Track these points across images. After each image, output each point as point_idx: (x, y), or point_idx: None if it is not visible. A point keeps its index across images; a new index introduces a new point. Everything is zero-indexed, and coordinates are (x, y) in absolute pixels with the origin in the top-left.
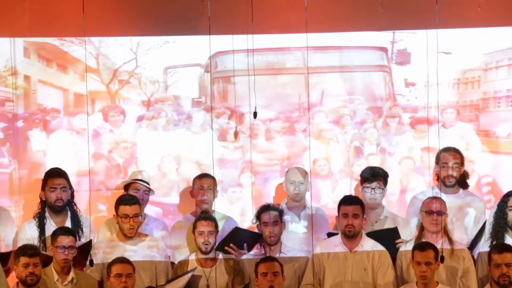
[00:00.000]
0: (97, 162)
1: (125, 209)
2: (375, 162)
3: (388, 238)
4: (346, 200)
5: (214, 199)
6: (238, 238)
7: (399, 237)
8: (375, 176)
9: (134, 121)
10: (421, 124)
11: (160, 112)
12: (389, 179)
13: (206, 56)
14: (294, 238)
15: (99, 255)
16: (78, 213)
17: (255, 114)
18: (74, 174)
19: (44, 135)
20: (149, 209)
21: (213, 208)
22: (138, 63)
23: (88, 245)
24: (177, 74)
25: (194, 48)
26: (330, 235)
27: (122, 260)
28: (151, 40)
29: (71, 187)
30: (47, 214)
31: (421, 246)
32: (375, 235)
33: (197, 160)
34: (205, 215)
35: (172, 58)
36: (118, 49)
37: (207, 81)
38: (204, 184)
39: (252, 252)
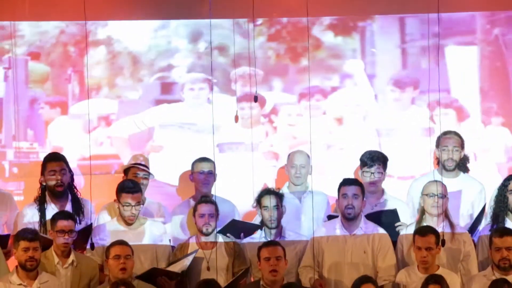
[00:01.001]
0: (114, 145)
1: (128, 197)
2: (389, 144)
3: (387, 219)
4: (346, 181)
5: (214, 183)
6: (236, 229)
7: (398, 218)
8: (374, 160)
9: (152, 104)
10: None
11: (176, 95)
12: (402, 162)
13: (222, 38)
14: (295, 222)
15: (100, 239)
16: (78, 196)
17: (255, 98)
18: (92, 157)
19: (64, 119)
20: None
21: (212, 192)
22: (155, 46)
23: (89, 229)
24: (194, 57)
25: (209, 31)
26: (330, 217)
27: (121, 242)
28: (166, 23)
29: (70, 170)
30: (47, 198)
31: (421, 231)
32: (374, 217)
33: (215, 142)
34: (206, 199)
35: (187, 42)
36: (134, 32)
37: (224, 64)
38: (203, 168)
39: (253, 236)
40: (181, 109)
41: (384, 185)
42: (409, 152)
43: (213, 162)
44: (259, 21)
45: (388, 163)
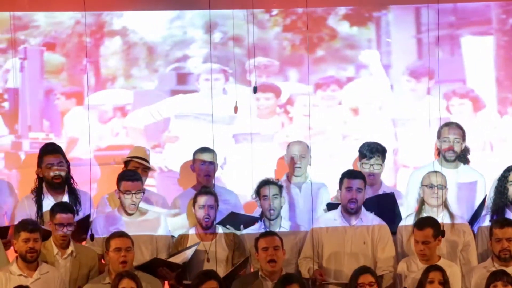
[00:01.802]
0: (130, 135)
1: (127, 185)
2: (405, 134)
3: (385, 203)
4: (351, 174)
5: (214, 173)
6: (235, 221)
7: (395, 202)
8: (373, 152)
9: (167, 94)
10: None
11: (192, 85)
12: (417, 153)
13: (237, 29)
14: (295, 212)
15: (100, 229)
16: (75, 186)
17: (254, 89)
18: (108, 148)
19: (79, 110)
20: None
21: (213, 183)
22: (171, 37)
23: (87, 219)
24: (208, 47)
25: (224, 21)
26: (329, 206)
27: (121, 234)
28: (181, 14)
29: (67, 161)
30: (44, 190)
31: (419, 224)
32: (372, 201)
33: (232, 132)
34: (206, 190)
35: (202, 32)
36: (149, 23)
37: (239, 55)
38: (205, 158)
39: (253, 227)
40: (197, 99)
41: (400, 175)
42: (424, 143)
43: (215, 152)
44: (275, 11)
45: (404, 154)
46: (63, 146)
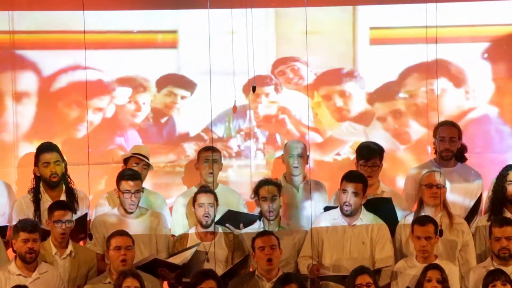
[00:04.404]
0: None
1: (127, 184)
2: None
3: (382, 207)
4: (348, 177)
5: (218, 172)
6: (233, 220)
7: (393, 207)
8: (370, 154)
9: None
10: None
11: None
12: None
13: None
14: (293, 211)
15: (100, 229)
16: (72, 186)
17: (253, 88)
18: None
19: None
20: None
21: (217, 181)
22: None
23: (84, 218)
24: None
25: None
26: (327, 209)
27: (121, 233)
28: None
29: (63, 160)
30: (41, 189)
31: (421, 220)
32: (370, 204)
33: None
34: (205, 189)
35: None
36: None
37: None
38: (208, 156)
39: (252, 227)
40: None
41: None
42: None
43: (219, 151)
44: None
45: None
46: None
